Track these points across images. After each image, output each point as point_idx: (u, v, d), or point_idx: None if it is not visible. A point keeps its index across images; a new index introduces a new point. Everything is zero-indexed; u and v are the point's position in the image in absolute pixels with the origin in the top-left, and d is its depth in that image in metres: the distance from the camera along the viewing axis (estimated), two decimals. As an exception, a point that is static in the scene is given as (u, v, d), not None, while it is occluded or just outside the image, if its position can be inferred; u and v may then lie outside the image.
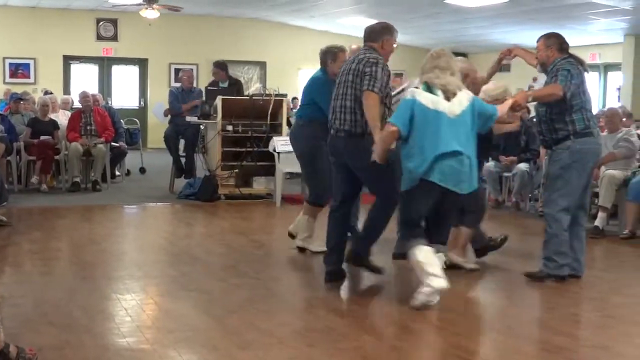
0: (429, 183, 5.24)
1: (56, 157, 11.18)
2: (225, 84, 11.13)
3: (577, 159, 5.96)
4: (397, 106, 5.53)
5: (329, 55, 6.67)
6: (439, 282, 5.17)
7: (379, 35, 5.74)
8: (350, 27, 17.95)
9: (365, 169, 5.56)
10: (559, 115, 5.99)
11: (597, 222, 8.32)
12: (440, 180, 5.23)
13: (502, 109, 5.71)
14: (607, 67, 18.55)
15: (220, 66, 11.33)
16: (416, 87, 5.47)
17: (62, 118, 11.99)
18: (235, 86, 11.23)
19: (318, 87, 6.63)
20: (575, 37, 17.09)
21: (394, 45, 5.83)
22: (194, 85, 12.53)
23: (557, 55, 6.12)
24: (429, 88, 5.34)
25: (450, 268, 5.91)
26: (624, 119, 9.46)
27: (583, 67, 6.14)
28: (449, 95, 5.30)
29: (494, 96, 6.23)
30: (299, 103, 13.89)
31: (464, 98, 5.36)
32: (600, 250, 7.87)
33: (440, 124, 5.23)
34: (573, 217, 6.07)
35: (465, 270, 6.32)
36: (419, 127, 5.25)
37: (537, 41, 6.27)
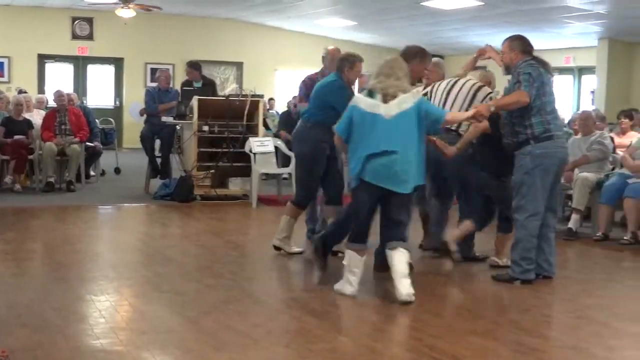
0: (365, 182, 5.51)
1: (30, 156, 11.10)
2: (199, 84, 11.10)
3: (538, 163, 6.00)
4: None
5: (347, 63, 6.62)
6: (349, 289, 5.55)
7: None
8: (326, 29, 17.98)
9: None
10: (519, 119, 6.04)
11: (570, 224, 8.39)
12: (372, 179, 5.48)
13: (457, 117, 5.97)
14: (581, 70, 18.72)
15: (194, 66, 11.31)
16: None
17: (36, 117, 11.89)
18: (210, 86, 11.21)
19: (335, 91, 6.58)
20: (550, 40, 17.30)
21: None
22: (171, 85, 12.49)
23: (520, 58, 6.15)
24: (370, 93, 5.63)
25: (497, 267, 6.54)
26: (597, 122, 9.55)
27: (546, 70, 6.14)
28: (387, 98, 5.54)
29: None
30: (294, 105, 13.93)
31: (407, 100, 5.54)
32: (574, 252, 7.94)
33: (374, 125, 5.51)
34: (542, 219, 6.13)
35: (441, 274, 6.39)
36: (356, 129, 5.59)
37: (502, 44, 6.32)
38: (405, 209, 5.68)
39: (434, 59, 7.42)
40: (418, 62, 6.23)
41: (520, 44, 6.22)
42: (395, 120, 5.49)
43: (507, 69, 6.27)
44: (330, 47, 7.51)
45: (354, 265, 5.57)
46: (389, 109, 5.51)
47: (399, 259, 5.49)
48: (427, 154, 5.80)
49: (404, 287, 5.38)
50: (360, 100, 5.68)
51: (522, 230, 6.08)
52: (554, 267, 6.27)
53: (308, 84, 7.32)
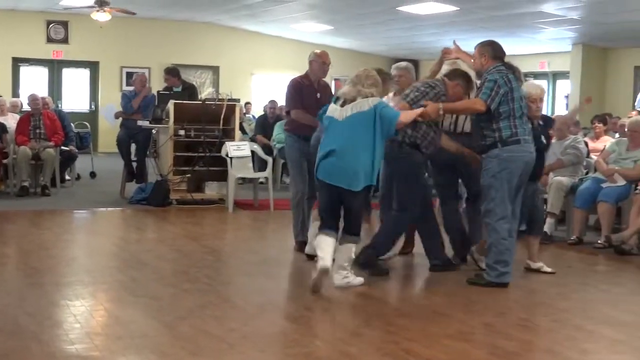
0: (319, 180, 5.99)
1: (4, 160, 10.99)
2: (179, 89, 11.07)
3: (504, 167, 6.08)
4: None
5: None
6: (322, 262, 5.72)
7: None
8: (302, 33, 17.99)
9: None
10: (487, 123, 6.12)
11: (545, 228, 8.42)
12: (323, 177, 5.93)
13: (408, 117, 6.04)
14: (556, 75, 18.88)
15: (171, 72, 11.27)
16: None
17: (10, 121, 11.79)
18: (188, 90, 11.17)
19: None
20: (525, 45, 17.44)
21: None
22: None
23: (490, 64, 6.21)
24: (335, 99, 6.09)
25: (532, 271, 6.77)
26: (571, 127, 9.63)
27: (515, 76, 6.19)
28: (346, 103, 5.93)
29: None
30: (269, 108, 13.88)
31: (363, 104, 5.86)
32: (548, 255, 7.97)
33: (330, 127, 6.01)
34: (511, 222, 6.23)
35: (416, 278, 6.41)
36: (324, 132, 6.13)
37: (474, 49, 6.38)
38: (357, 205, 5.94)
39: (403, 63, 7.47)
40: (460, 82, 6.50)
41: (491, 50, 6.27)
42: (346, 121, 5.88)
43: (479, 74, 6.34)
44: (318, 51, 7.48)
45: (319, 245, 5.85)
46: (344, 112, 5.91)
47: (343, 252, 5.92)
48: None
49: (337, 278, 5.93)
50: (329, 106, 6.14)
51: (494, 234, 6.14)
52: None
53: (298, 89, 7.31)
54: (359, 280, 6.02)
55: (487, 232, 6.29)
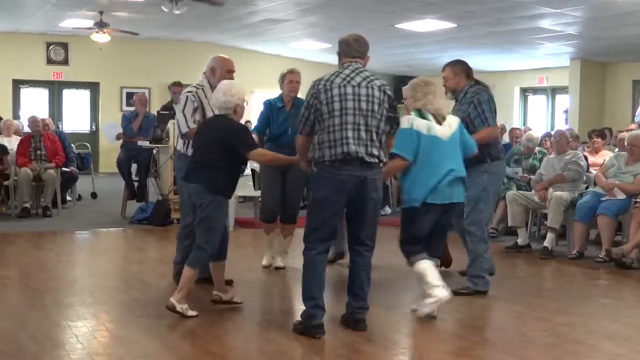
0: (430, 204, 5.61)
1: (5, 182, 11.03)
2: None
3: (493, 181, 6.44)
4: None
5: None
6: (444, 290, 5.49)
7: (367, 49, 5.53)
8: (301, 51, 18.06)
9: None
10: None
11: (545, 243, 8.46)
12: (441, 200, 5.62)
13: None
14: (554, 90, 18.92)
15: (177, 84, 11.38)
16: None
17: (12, 142, 11.84)
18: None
19: None
20: (523, 61, 17.51)
21: None
22: (148, 109, 12.47)
23: (465, 82, 6.44)
24: (420, 113, 5.67)
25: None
26: (570, 141, 9.67)
27: (490, 95, 6.43)
28: (438, 118, 5.68)
29: None
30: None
31: (453, 121, 5.74)
32: (549, 270, 8.01)
33: (435, 147, 5.62)
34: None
35: (415, 292, 6.40)
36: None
37: (443, 70, 6.57)
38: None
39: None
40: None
41: (463, 69, 6.53)
42: (450, 141, 5.67)
43: (454, 94, 6.48)
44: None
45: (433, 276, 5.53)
46: (445, 131, 5.67)
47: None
48: None
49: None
50: (419, 122, 5.74)
51: (483, 245, 6.40)
52: None
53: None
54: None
55: (472, 242, 6.40)
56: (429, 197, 5.50)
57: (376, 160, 5.16)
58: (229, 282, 6.32)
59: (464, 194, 5.74)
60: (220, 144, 5.56)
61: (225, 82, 5.90)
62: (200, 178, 5.58)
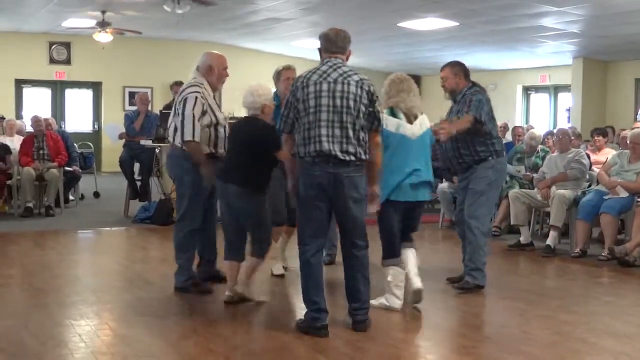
0: (397, 202, 5.81)
1: (8, 182, 11.04)
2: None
3: (498, 176, 6.58)
4: None
5: None
6: (398, 302, 5.82)
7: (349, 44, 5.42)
8: (303, 50, 18.06)
9: None
10: (484, 139, 6.41)
11: (548, 241, 8.46)
12: (407, 198, 5.82)
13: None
14: (557, 89, 18.92)
15: (182, 84, 11.32)
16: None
17: (15, 142, 11.85)
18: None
19: None
20: (525, 59, 17.51)
21: None
22: (150, 108, 12.48)
23: (465, 83, 6.53)
24: (392, 111, 5.83)
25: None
26: (573, 139, 9.67)
27: (486, 97, 6.51)
28: (410, 117, 5.84)
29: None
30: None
31: (424, 120, 5.89)
32: (552, 268, 8.01)
33: (403, 146, 5.80)
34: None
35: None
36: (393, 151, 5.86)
37: (441, 70, 6.63)
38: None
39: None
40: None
41: (462, 70, 6.60)
42: (419, 139, 5.85)
43: (453, 94, 6.53)
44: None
45: (399, 280, 5.82)
46: (415, 130, 5.84)
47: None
48: None
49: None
50: (392, 121, 5.90)
51: (484, 238, 6.48)
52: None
53: None
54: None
55: (472, 234, 6.43)
56: (392, 194, 5.68)
57: (352, 158, 5.08)
58: (224, 279, 6.35)
59: (430, 194, 6.02)
60: (253, 144, 5.80)
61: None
62: (238, 179, 5.81)
